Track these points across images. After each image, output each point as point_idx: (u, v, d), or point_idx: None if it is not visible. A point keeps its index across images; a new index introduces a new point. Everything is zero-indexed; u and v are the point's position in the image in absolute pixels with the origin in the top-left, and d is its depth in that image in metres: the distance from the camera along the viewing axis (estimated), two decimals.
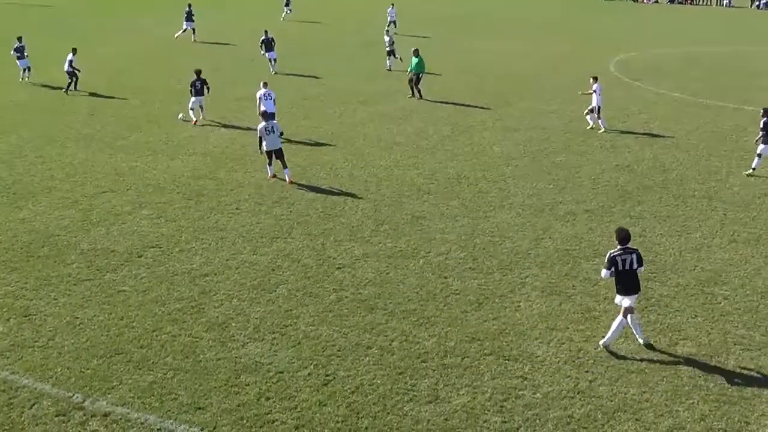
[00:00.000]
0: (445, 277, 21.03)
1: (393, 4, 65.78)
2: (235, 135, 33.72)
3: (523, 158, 31.17)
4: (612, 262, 17.32)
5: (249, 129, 34.42)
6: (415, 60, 40.63)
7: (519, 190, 27.55)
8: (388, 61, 49.44)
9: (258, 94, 34.21)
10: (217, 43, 58.78)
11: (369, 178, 28.73)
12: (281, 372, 16.74)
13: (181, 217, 25.03)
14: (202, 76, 36.01)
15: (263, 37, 48.31)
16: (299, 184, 27.84)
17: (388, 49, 49.62)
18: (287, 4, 72.72)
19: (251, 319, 18.86)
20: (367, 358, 17.24)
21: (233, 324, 18.63)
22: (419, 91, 40.91)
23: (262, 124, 27.93)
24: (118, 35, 59.89)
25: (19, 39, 45.72)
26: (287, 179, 27.86)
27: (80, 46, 45.30)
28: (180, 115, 36.28)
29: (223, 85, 42.04)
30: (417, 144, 33.06)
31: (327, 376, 16.62)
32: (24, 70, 45.53)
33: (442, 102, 40.35)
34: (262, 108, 33.77)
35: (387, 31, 58.35)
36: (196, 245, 23.00)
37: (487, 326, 18.60)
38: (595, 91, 35.31)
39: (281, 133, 28.28)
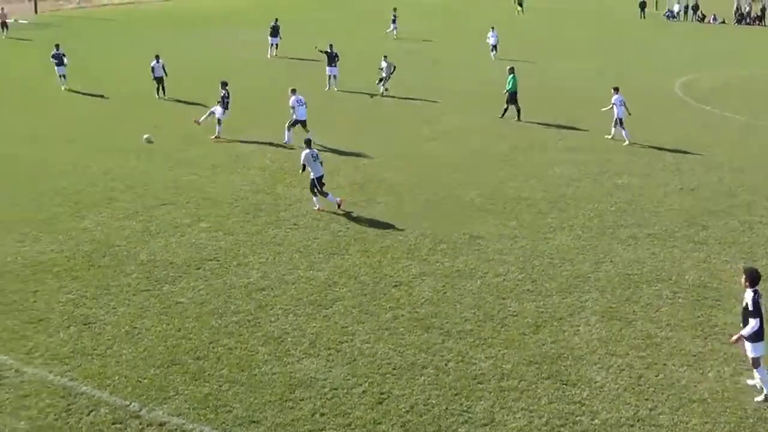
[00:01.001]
0: (503, 299, 20.82)
1: (493, 28, 61.08)
2: (293, 151, 33.79)
3: (585, 179, 30.82)
4: (759, 308, 15.89)
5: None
6: (510, 78, 39.83)
7: (579, 212, 27.24)
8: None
9: (291, 102, 34.30)
10: (300, 59, 57.81)
11: (429, 197, 28.60)
12: (336, 388, 16.66)
13: (239, 231, 25.11)
14: (228, 88, 36.27)
15: (327, 50, 47.20)
16: (354, 202, 27.81)
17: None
18: (394, 21, 70.52)
19: (307, 334, 18.82)
20: (423, 378, 17.10)
21: (289, 339, 18.61)
22: (518, 110, 40.08)
23: (307, 151, 27.04)
24: (177, 50, 60.40)
25: (57, 46, 47.07)
26: (337, 202, 27.10)
27: (147, 61, 45.86)
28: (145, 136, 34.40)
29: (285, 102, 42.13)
30: (477, 163, 32.87)
31: (382, 394, 16.51)
32: (60, 77, 46.74)
33: (503, 121, 40.07)
34: (295, 117, 33.97)
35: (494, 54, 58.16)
36: (254, 259, 23.04)
37: (545, 349, 18.35)
38: (615, 103, 35.73)
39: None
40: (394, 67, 45.81)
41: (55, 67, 46.76)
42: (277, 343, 18.42)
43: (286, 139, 34.48)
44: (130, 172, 30.93)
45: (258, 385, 16.76)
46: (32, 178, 30.11)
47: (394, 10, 70.45)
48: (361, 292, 21.04)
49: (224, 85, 36.21)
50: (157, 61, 44.06)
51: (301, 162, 27.15)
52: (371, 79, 46.61)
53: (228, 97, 35.87)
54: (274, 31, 58.68)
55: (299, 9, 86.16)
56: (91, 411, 15.84)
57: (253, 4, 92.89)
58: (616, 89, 36.26)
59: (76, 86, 46.74)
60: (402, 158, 33.35)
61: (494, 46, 59.34)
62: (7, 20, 70.23)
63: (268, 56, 58.45)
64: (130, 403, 16.08)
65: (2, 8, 71.06)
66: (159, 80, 44.12)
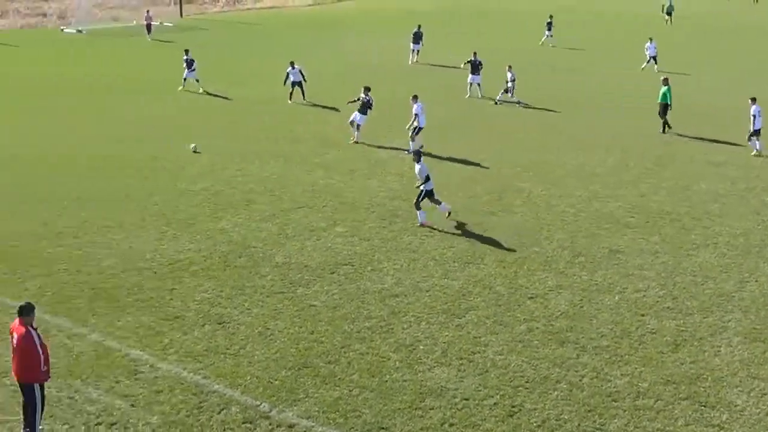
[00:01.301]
0: (642, 315, 20.20)
1: (651, 39, 58.55)
2: (430, 159, 33.63)
3: (731, 196, 29.75)
4: None
5: (444, 158, 34.34)
6: (664, 89, 38.85)
7: (725, 229, 26.28)
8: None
9: (415, 110, 34.01)
10: (442, 66, 57.25)
11: (566, 208, 28.05)
12: (467, 399, 16.42)
13: (375, 237, 25.09)
14: (370, 94, 36.37)
15: (470, 59, 46.84)
16: (491, 211, 27.50)
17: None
18: (549, 29, 68.86)
19: (439, 343, 18.63)
20: (556, 393, 16.70)
21: (421, 347, 18.45)
22: (665, 123, 39.09)
23: (421, 164, 26.33)
24: (318, 54, 61.04)
25: (186, 52, 48.94)
26: (444, 210, 26.71)
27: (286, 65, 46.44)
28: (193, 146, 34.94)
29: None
30: (618, 176, 32.09)
31: (513, 407, 16.19)
32: (185, 80, 48.39)
33: (645, 133, 39.06)
34: (416, 123, 33.70)
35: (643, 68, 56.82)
36: (388, 265, 22.97)
37: (684, 369, 17.71)
38: (754, 114, 35.00)
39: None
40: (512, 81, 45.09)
41: (185, 71, 48.43)
42: (409, 351, 18.29)
43: (412, 148, 33.88)
44: (268, 175, 31.29)
45: (388, 392, 16.65)
46: (172, 178, 30.76)
47: (550, 17, 69.36)
48: (496, 303, 20.72)
49: (367, 90, 36.38)
50: (293, 68, 44.51)
51: (423, 175, 26.32)
52: (517, 88, 45.86)
53: (370, 103, 36.03)
54: (416, 38, 58.74)
55: (443, 16, 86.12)
56: (222, 409, 15.99)
57: (396, 8, 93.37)
58: (754, 99, 35.37)
59: (216, 89, 47.66)
60: (539, 167, 32.82)
61: (653, 58, 57.47)
62: (152, 23, 72.59)
63: (410, 62, 58.54)
64: (261, 404, 16.18)
65: (147, 11, 73.51)
66: (297, 84, 44.55)
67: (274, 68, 52.16)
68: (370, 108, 36.13)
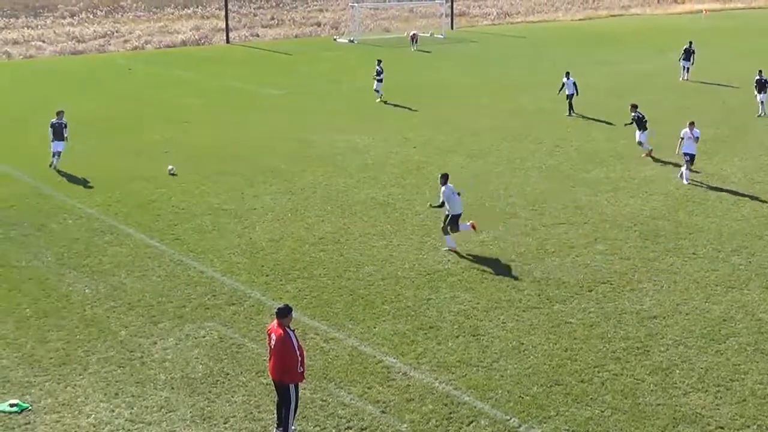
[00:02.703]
0: None
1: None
2: (701, 177, 32.56)
3: None
4: None
5: (716, 175, 33.21)
6: None
7: None
8: None
9: (682, 133, 32.82)
10: (713, 84, 55.13)
11: None
12: (722, 427, 15.93)
13: (636, 256, 24.62)
14: (640, 110, 36.12)
15: (757, 77, 44.86)
16: (759, 235, 26.32)
17: None
18: None
19: (696, 368, 18.09)
20: None
21: (677, 371, 17.98)
22: None
23: (447, 186, 25.14)
24: (587, 68, 60.34)
25: (378, 62, 49.95)
26: (472, 225, 25.34)
27: (555, 79, 46.34)
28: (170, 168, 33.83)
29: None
30: None
31: None
32: (375, 91, 49.24)
33: None
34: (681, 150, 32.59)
35: None
36: (648, 286, 22.50)
37: None
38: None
39: None
40: None
41: (375, 83, 49.41)
42: (665, 374, 17.86)
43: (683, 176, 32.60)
44: (531, 189, 31.32)
45: (641, 415, 16.34)
46: (436, 189, 30.97)
47: None
48: (758, 330, 19.86)
49: (634, 107, 35.91)
50: (568, 78, 44.48)
51: (440, 199, 25.40)
52: None
53: (643, 119, 35.54)
54: (687, 55, 57.14)
55: (715, 34, 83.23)
56: (472, 422, 16.20)
57: (664, 25, 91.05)
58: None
59: (486, 100, 48.14)
60: None
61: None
62: (417, 34, 76.47)
63: (680, 79, 56.90)
64: (510, 418, 16.27)
65: (414, 33, 77.39)
66: (569, 97, 44.49)
67: (540, 81, 52.10)
68: (644, 124, 35.66)
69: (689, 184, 31.61)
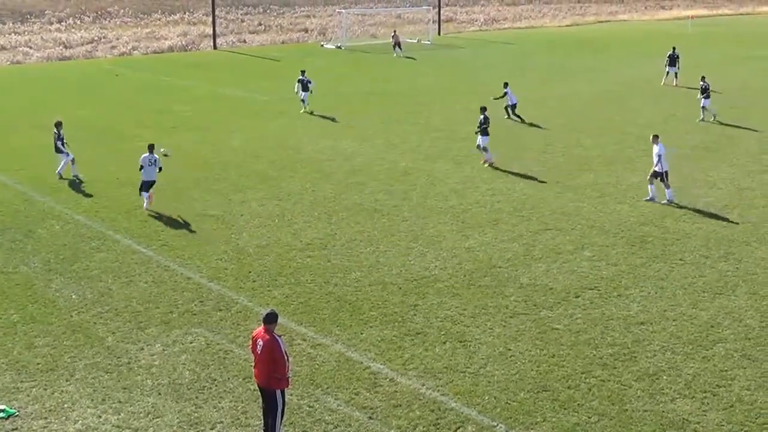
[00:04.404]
0: None
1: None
2: (687, 185, 32.68)
3: None
4: None
5: (703, 181, 33.30)
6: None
7: None
8: None
9: (655, 151, 30.75)
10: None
11: None
12: None
13: (623, 262, 24.68)
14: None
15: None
16: (746, 241, 26.42)
17: None
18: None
19: (683, 374, 18.13)
20: None
21: (664, 377, 18.03)
22: None
23: None
24: (577, 75, 60.54)
25: (302, 72, 48.75)
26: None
27: (540, 85, 46.45)
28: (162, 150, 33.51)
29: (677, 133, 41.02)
30: None
31: None
32: (301, 101, 48.36)
33: None
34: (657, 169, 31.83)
35: None
36: (635, 292, 22.56)
37: None
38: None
39: None
40: None
41: (301, 92, 48.24)
42: (652, 380, 17.91)
43: (650, 195, 31.01)
44: (518, 195, 31.37)
45: (628, 421, 16.38)
46: (423, 195, 31.34)
47: None
48: (745, 336, 19.92)
49: (483, 110, 36.17)
50: (506, 88, 45.13)
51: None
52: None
53: (485, 123, 35.69)
54: (672, 60, 57.58)
55: (702, 39, 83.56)
56: (458, 428, 16.22)
57: (651, 31, 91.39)
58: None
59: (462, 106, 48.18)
60: None
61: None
62: (398, 36, 77.02)
63: (662, 84, 57.12)
64: (497, 424, 16.29)
65: (394, 31, 78.62)
66: (513, 107, 45.01)
67: (527, 84, 52.21)
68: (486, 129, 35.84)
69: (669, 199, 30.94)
